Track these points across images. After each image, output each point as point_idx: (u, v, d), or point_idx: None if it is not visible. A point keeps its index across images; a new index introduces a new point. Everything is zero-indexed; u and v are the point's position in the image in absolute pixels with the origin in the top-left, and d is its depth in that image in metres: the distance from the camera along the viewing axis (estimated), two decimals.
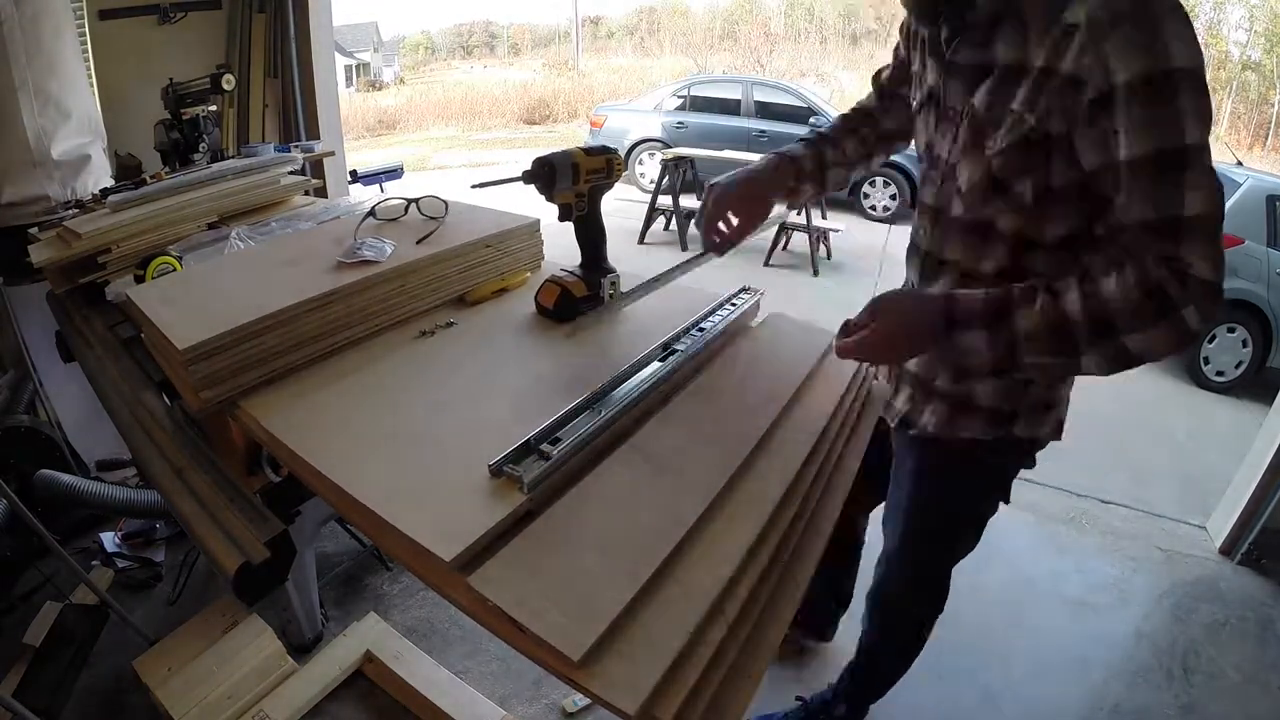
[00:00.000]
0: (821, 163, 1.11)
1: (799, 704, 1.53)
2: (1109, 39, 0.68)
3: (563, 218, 1.03)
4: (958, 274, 0.91)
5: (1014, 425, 0.97)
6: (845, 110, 1.20)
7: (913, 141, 1.05)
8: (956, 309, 0.76)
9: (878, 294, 0.79)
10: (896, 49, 1.09)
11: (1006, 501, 1.10)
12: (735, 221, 1.01)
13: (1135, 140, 0.69)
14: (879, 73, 1.17)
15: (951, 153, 0.87)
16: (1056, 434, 1.03)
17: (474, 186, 1.02)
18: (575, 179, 0.99)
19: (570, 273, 1.07)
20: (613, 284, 1.07)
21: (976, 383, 0.95)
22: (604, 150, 1.02)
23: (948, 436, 0.99)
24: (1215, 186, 0.69)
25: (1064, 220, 0.81)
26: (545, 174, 0.96)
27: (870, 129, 1.15)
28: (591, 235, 1.06)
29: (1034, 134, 0.76)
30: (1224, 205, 0.71)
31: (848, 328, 0.79)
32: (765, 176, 1.05)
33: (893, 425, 1.08)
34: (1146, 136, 0.68)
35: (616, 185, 1.09)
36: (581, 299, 1.04)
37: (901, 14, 0.96)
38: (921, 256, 0.98)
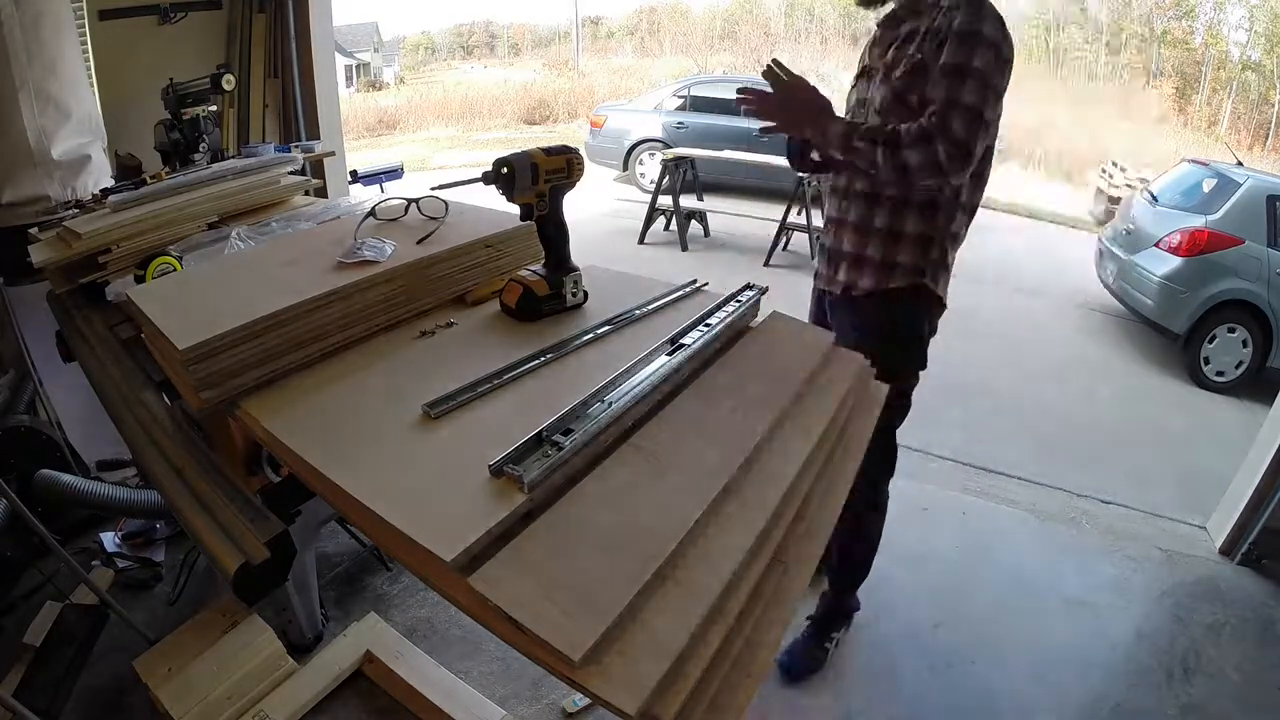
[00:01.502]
0: None
1: (809, 623, 1.72)
2: (957, 11, 1.20)
3: (524, 218, 1.02)
4: None
5: (924, 277, 1.38)
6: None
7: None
8: (832, 108, 1.29)
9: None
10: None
11: (933, 333, 1.47)
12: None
13: (948, 58, 1.19)
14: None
15: (870, 90, 1.36)
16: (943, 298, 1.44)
17: (433, 189, 1.07)
18: (535, 179, 0.99)
19: (533, 272, 1.07)
20: (575, 283, 1.07)
21: (898, 252, 1.36)
22: (564, 150, 1.02)
23: (883, 289, 1.38)
24: (984, 94, 1.18)
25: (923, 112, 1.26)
26: (504, 175, 0.97)
27: None
28: (553, 235, 1.06)
29: (919, 65, 1.24)
30: (984, 105, 1.18)
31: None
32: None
33: (837, 294, 1.46)
34: (952, 55, 1.19)
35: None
36: (544, 298, 1.04)
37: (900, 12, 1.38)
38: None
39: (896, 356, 1.31)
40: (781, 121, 1.32)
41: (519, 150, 0.98)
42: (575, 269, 1.08)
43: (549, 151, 1.00)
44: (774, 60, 1.31)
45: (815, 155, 1.48)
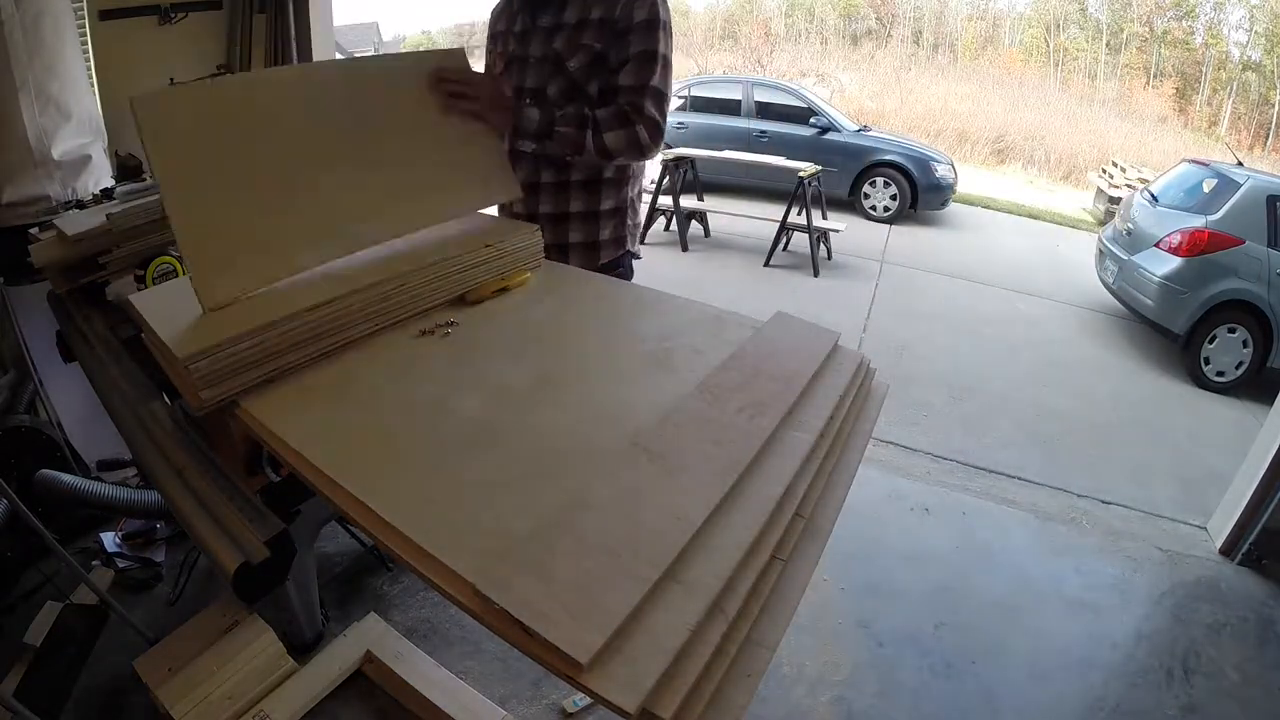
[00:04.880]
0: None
1: None
2: (635, 2, 1.29)
3: None
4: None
5: (627, 244, 1.53)
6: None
7: None
8: (534, 105, 1.32)
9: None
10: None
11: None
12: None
13: (636, 45, 1.29)
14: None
15: (528, 78, 1.40)
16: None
17: None
18: None
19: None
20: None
21: (599, 230, 1.47)
22: None
23: (592, 268, 1.44)
24: (665, 74, 1.32)
25: (602, 100, 1.35)
26: None
27: None
28: None
29: (598, 55, 1.32)
30: (668, 85, 1.33)
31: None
32: None
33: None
34: (641, 43, 1.29)
35: None
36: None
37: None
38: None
39: None
40: (482, 108, 1.25)
41: None
42: None
43: None
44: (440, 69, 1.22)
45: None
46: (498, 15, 1.51)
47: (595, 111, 1.29)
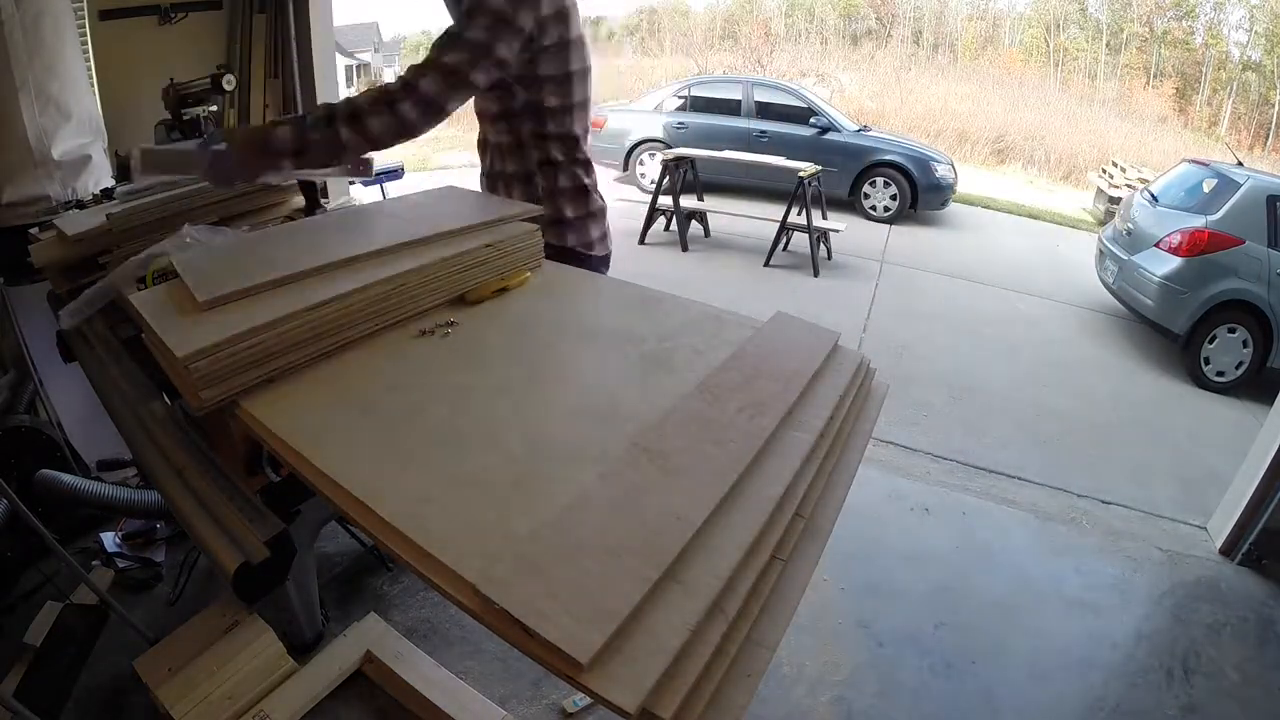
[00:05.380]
0: None
1: None
2: None
3: None
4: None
5: (595, 247, 1.48)
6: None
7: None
8: (271, 123, 1.18)
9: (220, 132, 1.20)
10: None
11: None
12: None
13: (452, 25, 1.20)
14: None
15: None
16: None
17: None
18: None
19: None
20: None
21: (567, 231, 1.44)
22: None
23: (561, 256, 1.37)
24: (470, 58, 1.18)
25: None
26: None
27: None
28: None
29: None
30: (469, 69, 1.19)
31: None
32: None
33: None
34: (454, 24, 1.20)
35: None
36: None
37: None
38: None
39: None
40: (240, 173, 1.20)
41: None
42: None
43: None
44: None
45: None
46: None
47: (355, 97, 1.17)
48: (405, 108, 1.15)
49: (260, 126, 1.18)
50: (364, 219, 1.29)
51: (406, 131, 1.18)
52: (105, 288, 1.20)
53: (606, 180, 7.74)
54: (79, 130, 1.97)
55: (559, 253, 1.38)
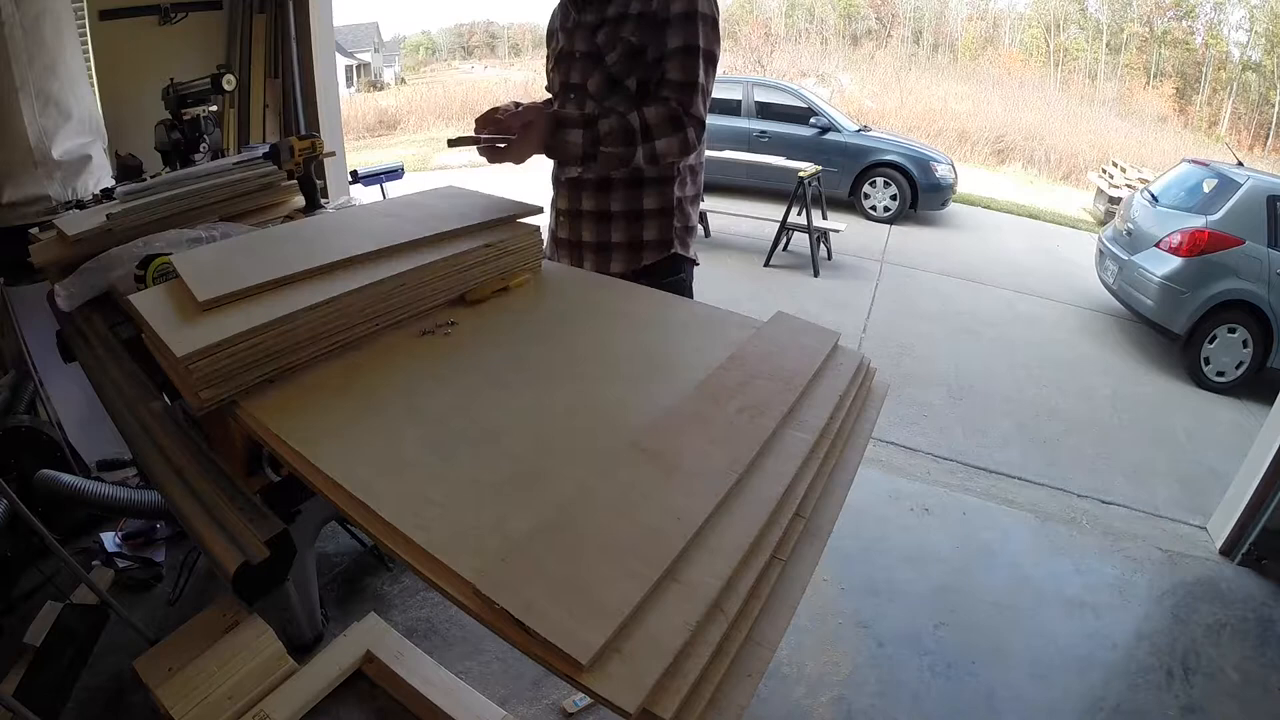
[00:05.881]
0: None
1: None
2: None
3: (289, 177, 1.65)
4: None
5: (674, 248, 1.44)
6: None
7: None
8: (563, 117, 1.25)
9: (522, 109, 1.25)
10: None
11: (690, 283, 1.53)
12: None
13: (675, 39, 1.26)
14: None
15: (573, 74, 1.38)
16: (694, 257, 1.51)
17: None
18: (291, 155, 1.64)
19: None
20: None
21: (643, 230, 1.41)
22: (310, 135, 1.70)
23: (634, 269, 1.42)
24: (710, 70, 1.29)
25: (641, 94, 1.32)
26: (273, 153, 1.64)
27: None
28: (309, 190, 1.70)
29: (635, 49, 1.28)
30: (711, 80, 1.30)
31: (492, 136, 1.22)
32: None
33: None
34: (680, 37, 1.25)
35: None
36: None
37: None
38: None
39: None
40: (517, 155, 1.24)
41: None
42: None
43: (301, 136, 1.66)
44: (481, 117, 1.26)
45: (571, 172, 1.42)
46: (554, 12, 1.51)
47: (644, 113, 1.24)
48: (691, 132, 1.27)
49: (553, 119, 1.23)
50: (364, 219, 1.28)
51: (688, 152, 1.30)
52: (103, 264, 1.22)
53: None
54: (79, 130, 1.97)
55: (675, 261, 1.44)
